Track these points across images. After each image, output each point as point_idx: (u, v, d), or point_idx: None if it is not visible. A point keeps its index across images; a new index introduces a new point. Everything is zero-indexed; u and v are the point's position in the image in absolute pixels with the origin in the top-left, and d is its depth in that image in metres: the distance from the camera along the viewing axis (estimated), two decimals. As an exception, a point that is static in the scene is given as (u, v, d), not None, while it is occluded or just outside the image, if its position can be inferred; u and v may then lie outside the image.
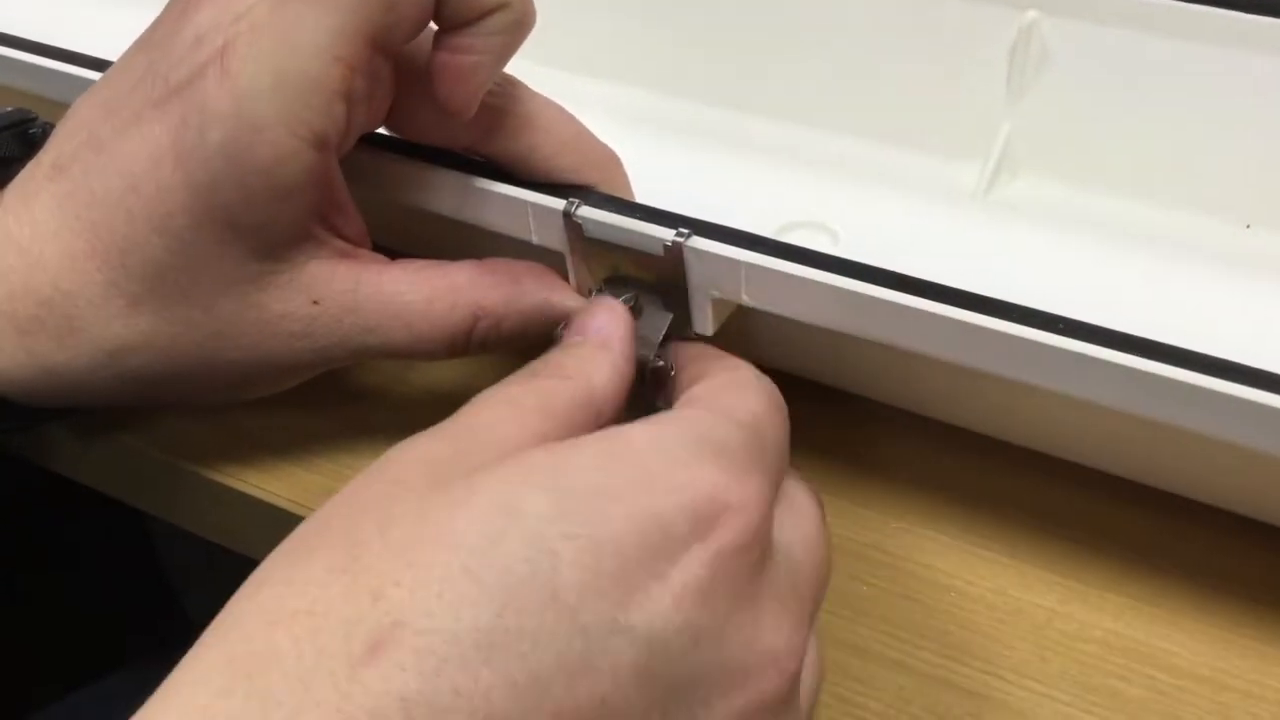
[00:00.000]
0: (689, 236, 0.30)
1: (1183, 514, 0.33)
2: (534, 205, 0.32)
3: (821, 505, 0.27)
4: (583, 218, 0.31)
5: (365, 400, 0.38)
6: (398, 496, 0.22)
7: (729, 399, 0.26)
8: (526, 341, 0.32)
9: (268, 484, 0.36)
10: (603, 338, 0.28)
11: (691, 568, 0.22)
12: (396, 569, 0.21)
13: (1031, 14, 0.41)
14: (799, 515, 0.26)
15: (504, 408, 0.25)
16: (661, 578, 0.21)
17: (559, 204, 0.32)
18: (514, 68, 0.32)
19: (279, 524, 0.35)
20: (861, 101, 0.45)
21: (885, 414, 0.36)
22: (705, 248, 0.30)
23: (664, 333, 0.31)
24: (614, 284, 0.32)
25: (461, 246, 0.42)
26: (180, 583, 0.63)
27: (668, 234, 0.30)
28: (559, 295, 0.32)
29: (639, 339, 0.30)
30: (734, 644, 0.22)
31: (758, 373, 0.27)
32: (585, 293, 0.32)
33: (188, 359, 0.31)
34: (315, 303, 0.30)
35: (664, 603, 0.21)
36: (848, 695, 0.30)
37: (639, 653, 0.21)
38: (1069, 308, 0.28)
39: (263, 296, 0.30)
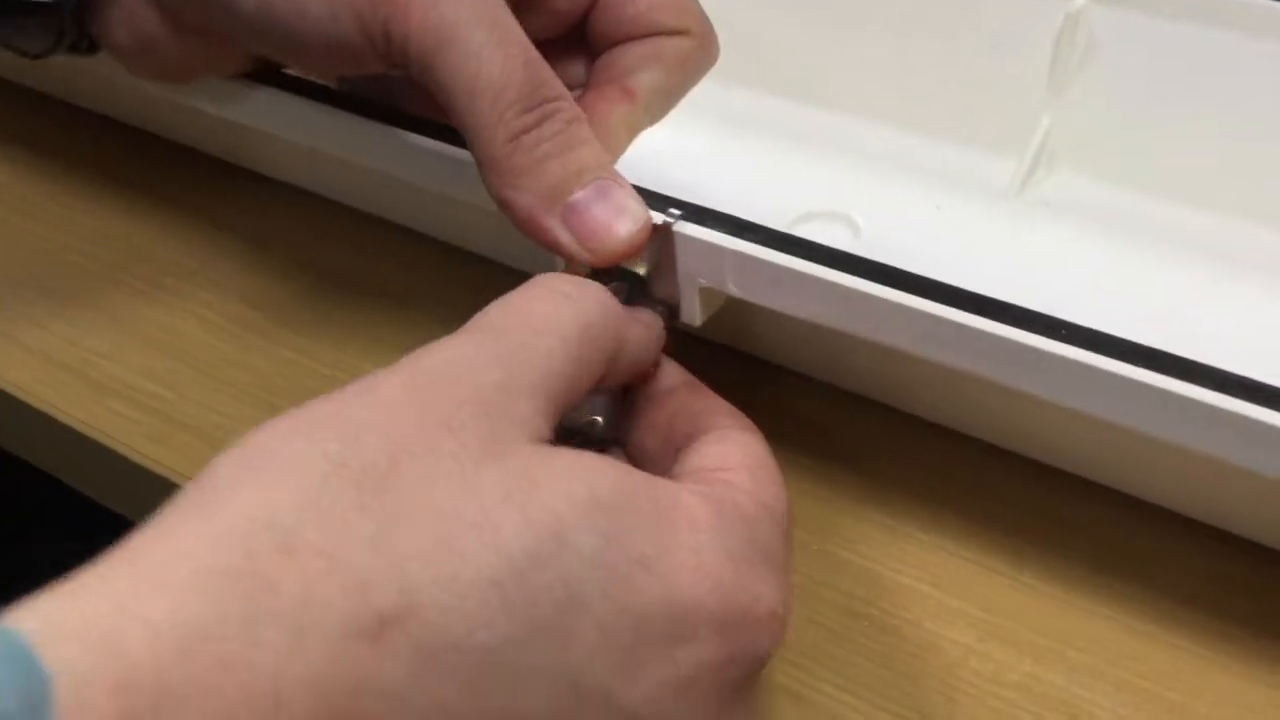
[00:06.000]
0: (678, 219, 0.29)
1: (1118, 558, 0.30)
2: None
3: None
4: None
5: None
6: (447, 450, 0.21)
7: (769, 489, 0.25)
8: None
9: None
10: (649, 317, 0.28)
11: (702, 667, 0.22)
12: (427, 543, 0.19)
13: (1079, 1, 0.39)
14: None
15: (555, 339, 0.23)
16: (670, 664, 0.21)
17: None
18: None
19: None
20: (893, 88, 0.43)
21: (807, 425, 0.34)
22: (691, 233, 0.29)
23: None
24: (602, 273, 0.31)
25: (443, 220, 0.42)
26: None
27: (657, 216, 0.29)
28: None
29: None
30: None
31: (758, 432, 0.26)
32: None
33: None
34: None
35: (662, 691, 0.21)
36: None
37: None
38: (1098, 316, 0.26)
39: None
